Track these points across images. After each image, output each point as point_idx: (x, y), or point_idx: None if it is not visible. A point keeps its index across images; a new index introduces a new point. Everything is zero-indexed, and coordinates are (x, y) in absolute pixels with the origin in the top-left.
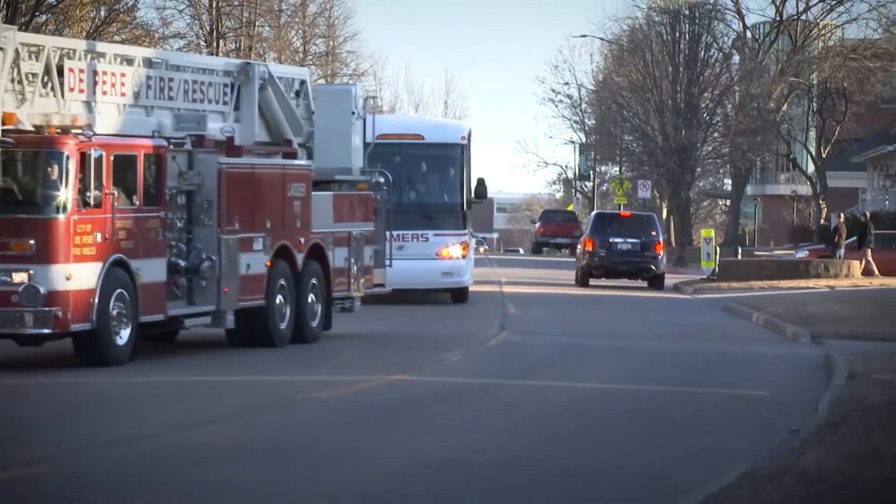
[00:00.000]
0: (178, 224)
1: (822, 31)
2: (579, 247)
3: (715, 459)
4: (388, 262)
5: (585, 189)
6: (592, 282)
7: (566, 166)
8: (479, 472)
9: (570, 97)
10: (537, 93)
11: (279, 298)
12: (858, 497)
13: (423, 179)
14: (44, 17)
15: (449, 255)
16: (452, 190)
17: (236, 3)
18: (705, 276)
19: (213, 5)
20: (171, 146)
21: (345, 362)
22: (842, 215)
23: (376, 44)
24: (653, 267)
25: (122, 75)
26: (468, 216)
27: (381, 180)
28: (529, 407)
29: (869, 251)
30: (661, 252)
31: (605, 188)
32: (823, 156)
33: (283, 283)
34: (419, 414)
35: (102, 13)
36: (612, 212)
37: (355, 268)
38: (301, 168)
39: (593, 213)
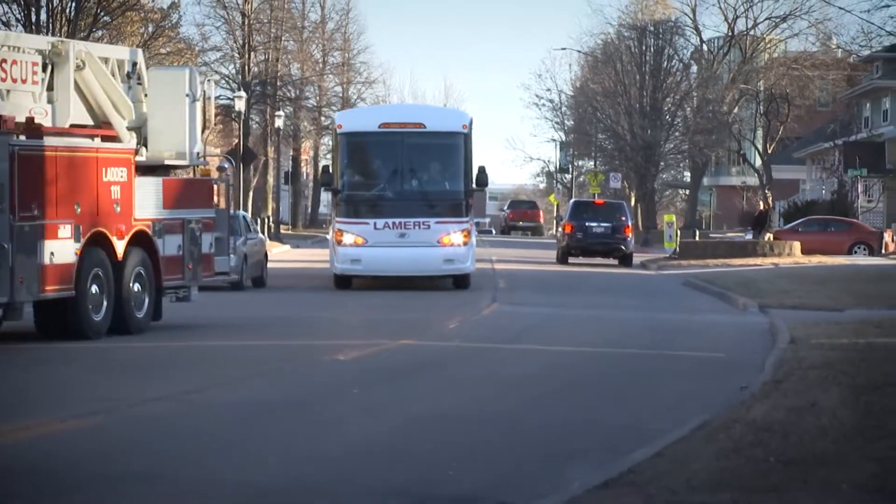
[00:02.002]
0: None
1: (768, 45)
2: (559, 230)
3: (676, 412)
4: (231, 250)
5: (565, 180)
6: (571, 260)
7: (548, 161)
8: (471, 426)
9: (551, 101)
10: (523, 98)
11: (94, 288)
12: (798, 443)
13: (425, 167)
14: (100, 33)
15: (451, 243)
16: (454, 178)
17: (265, 20)
18: (668, 255)
19: (245, 23)
20: None
21: (362, 328)
22: (761, 203)
23: (385, 55)
24: (623, 247)
25: None
26: (470, 204)
27: (225, 166)
28: (516, 368)
29: (769, 234)
30: (630, 234)
31: (581, 180)
32: (769, 151)
33: (98, 272)
34: (421, 374)
35: (150, 29)
36: (588, 200)
37: (191, 256)
38: (120, 151)
39: (571, 201)
